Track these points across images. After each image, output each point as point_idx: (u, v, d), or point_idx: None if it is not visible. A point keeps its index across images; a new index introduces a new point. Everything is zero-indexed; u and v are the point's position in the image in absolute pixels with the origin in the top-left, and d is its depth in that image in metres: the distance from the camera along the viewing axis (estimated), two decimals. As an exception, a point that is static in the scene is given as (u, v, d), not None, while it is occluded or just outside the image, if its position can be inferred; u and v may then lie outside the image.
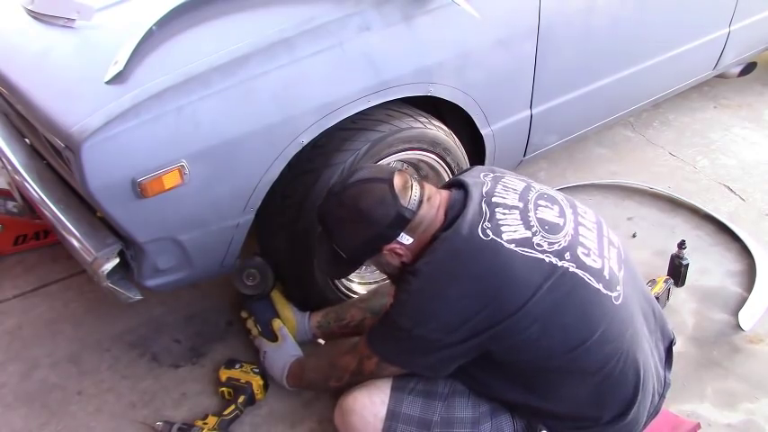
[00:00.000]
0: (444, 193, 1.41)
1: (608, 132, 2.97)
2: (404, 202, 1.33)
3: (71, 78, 1.66)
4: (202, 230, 1.61)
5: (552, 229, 1.34)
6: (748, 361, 1.89)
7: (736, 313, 2.03)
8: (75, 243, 1.60)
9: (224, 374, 1.81)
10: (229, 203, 1.62)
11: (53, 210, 1.68)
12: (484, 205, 1.34)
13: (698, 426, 1.64)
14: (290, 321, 1.84)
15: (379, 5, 1.69)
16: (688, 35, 2.50)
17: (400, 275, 1.40)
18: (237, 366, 1.81)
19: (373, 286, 1.95)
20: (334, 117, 1.64)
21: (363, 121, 1.73)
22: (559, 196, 1.45)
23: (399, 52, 1.71)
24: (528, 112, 2.09)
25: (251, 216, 1.66)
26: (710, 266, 2.24)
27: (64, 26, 1.79)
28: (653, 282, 2.04)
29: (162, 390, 1.86)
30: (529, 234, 1.31)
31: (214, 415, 1.72)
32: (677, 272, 2.11)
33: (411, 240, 1.35)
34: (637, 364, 1.34)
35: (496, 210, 1.34)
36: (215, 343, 2.01)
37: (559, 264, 1.29)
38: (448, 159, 1.91)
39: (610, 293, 1.32)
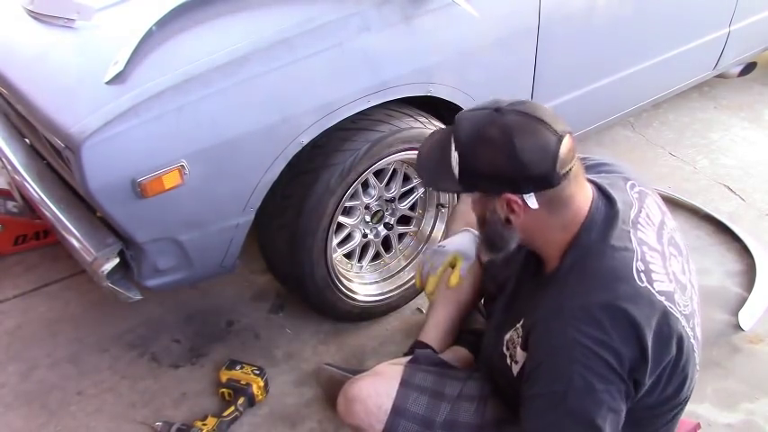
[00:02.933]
0: (591, 192, 1.20)
1: (608, 132, 2.97)
2: (560, 166, 1.11)
3: (71, 78, 1.66)
4: (202, 230, 1.61)
5: (682, 287, 1.19)
6: (748, 361, 1.89)
7: (736, 313, 2.03)
8: (75, 243, 1.59)
9: (224, 375, 1.81)
10: (229, 203, 1.62)
11: (53, 210, 1.68)
12: (633, 238, 1.16)
13: (698, 426, 1.63)
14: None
15: (379, 5, 1.69)
16: (688, 35, 2.50)
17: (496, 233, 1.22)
18: (238, 368, 1.81)
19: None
20: (334, 117, 1.64)
21: (363, 121, 1.73)
22: (682, 242, 1.29)
23: (399, 52, 1.71)
24: (528, 112, 2.09)
25: (251, 216, 1.66)
26: (710, 266, 2.24)
27: (64, 26, 1.79)
28: (653, 282, 2.04)
29: (162, 390, 1.86)
30: (672, 288, 1.16)
31: (214, 416, 1.72)
32: (677, 272, 2.11)
33: (537, 207, 1.14)
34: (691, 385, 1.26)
35: (644, 248, 1.16)
36: (215, 343, 2.01)
37: (686, 330, 1.16)
38: (448, 159, 1.90)
39: (698, 367, 1.25)
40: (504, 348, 1.29)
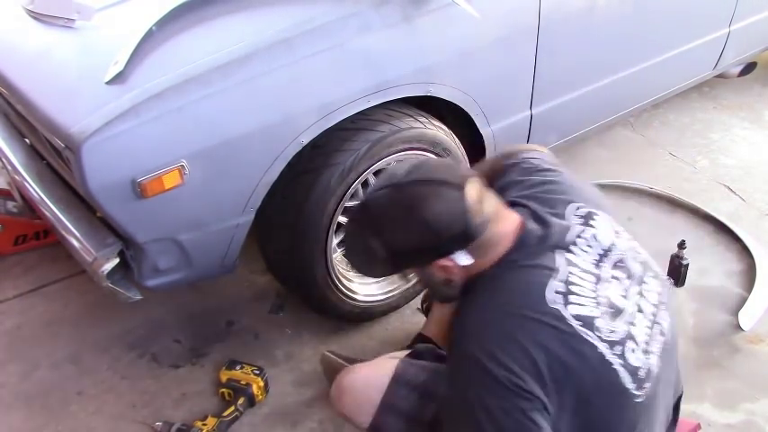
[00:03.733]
0: (517, 219, 1.21)
1: (608, 132, 2.97)
2: (474, 217, 1.13)
3: (71, 78, 1.66)
4: (202, 231, 1.61)
5: (615, 313, 1.16)
6: (748, 361, 1.89)
7: (736, 313, 2.03)
8: (75, 243, 1.59)
9: (224, 375, 1.81)
10: (229, 203, 1.62)
11: (53, 210, 1.68)
12: (564, 260, 1.16)
13: (698, 426, 1.63)
14: None
15: (379, 5, 1.69)
16: (688, 35, 2.50)
17: (442, 295, 1.28)
18: (238, 368, 1.81)
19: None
20: (334, 117, 1.64)
21: (363, 121, 1.73)
22: (635, 265, 1.24)
23: (399, 52, 1.71)
24: (528, 112, 2.09)
25: (251, 216, 1.66)
26: (710, 266, 2.24)
27: (64, 26, 1.79)
28: (653, 282, 2.04)
29: (162, 390, 1.86)
30: (596, 314, 1.13)
31: (214, 416, 1.72)
32: (677, 272, 2.11)
33: (470, 261, 1.17)
34: None
35: (571, 269, 1.15)
36: (215, 343, 2.01)
37: (608, 357, 1.13)
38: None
39: (636, 393, 1.17)
40: None
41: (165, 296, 2.10)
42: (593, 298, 1.15)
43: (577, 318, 1.11)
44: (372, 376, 1.39)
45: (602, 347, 1.12)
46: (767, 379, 1.83)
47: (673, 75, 2.62)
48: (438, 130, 1.86)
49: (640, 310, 1.21)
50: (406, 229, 1.16)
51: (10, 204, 2.29)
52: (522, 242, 1.17)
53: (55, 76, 1.68)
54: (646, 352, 1.19)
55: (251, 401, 1.77)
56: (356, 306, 1.96)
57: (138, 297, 1.63)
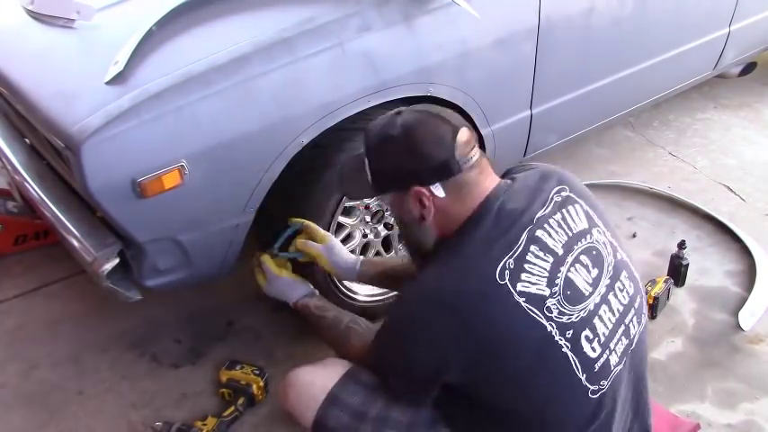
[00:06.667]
0: (496, 180, 1.26)
1: (608, 132, 2.97)
2: (459, 153, 1.19)
3: (71, 78, 1.66)
4: (202, 231, 1.61)
5: (573, 297, 1.18)
6: (748, 361, 1.89)
7: (736, 313, 2.03)
8: (76, 243, 1.59)
9: (224, 375, 1.81)
10: (229, 204, 1.62)
11: (53, 210, 1.68)
12: (525, 235, 1.18)
13: (698, 426, 1.64)
14: (321, 258, 1.68)
15: (379, 5, 1.69)
16: (688, 35, 2.50)
17: (412, 248, 1.35)
18: (238, 368, 1.81)
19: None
20: (334, 117, 1.64)
21: (363, 121, 1.73)
22: (609, 258, 1.26)
23: (399, 52, 1.71)
24: (528, 112, 2.09)
25: (251, 216, 1.66)
26: (710, 266, 2.24)
27: (64, 26, 1.79)
28: (653, 282, 2.04)
29: (162, 390, 1.86)
30: (546, 293, 1.16)
31: (213, 416, 1.72)
32: (677, 272, 2.12)
33: (443, 196, 1.21)
34: None
35: (532, 247, 1.18)
36: (215, 343, 2.01)
37: (556, 338, 1.16)
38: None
39: (588, 386, 1.19)
40: None
41: (165, 296, 2.10)
42: (546, 278, 1.17)
43: (523, 294, 1.14)
44: (320, 374, 1.39)
45: (550, 327, 1.15)
46: (767, 379, 1.83)
47: (673, 75, 2.62)
48: (438, 130, 1.85)
49: (607, 303, 1.23)
50: (395, 148, 1.23)
51: (10, 204, 2.29)
52: (492, 208, 1.21)
53: (55, 76, 1.68)
54: (605, 346, 1.20)
55: (251, 401, 1.77)
56: (356, 306, 1.96)
57: (138, 297, 1.62)
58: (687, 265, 2.11)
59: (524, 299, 1.14)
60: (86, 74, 1.62)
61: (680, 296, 2.11)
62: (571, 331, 1.17)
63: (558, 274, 1.18)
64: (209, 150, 1.51)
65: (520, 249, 1.17)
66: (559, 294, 1.17)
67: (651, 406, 1.37)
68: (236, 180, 1.59)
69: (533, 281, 1.16)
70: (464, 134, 1.21)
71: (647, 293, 2.00)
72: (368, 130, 1.30)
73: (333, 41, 1.61)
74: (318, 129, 1.63)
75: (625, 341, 1.25)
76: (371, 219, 1.96)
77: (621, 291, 1.26)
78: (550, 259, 1.18)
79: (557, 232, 1.21)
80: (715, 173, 2.74)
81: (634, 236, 2.37)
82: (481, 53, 1.86)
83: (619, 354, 1.23)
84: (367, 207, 1.92)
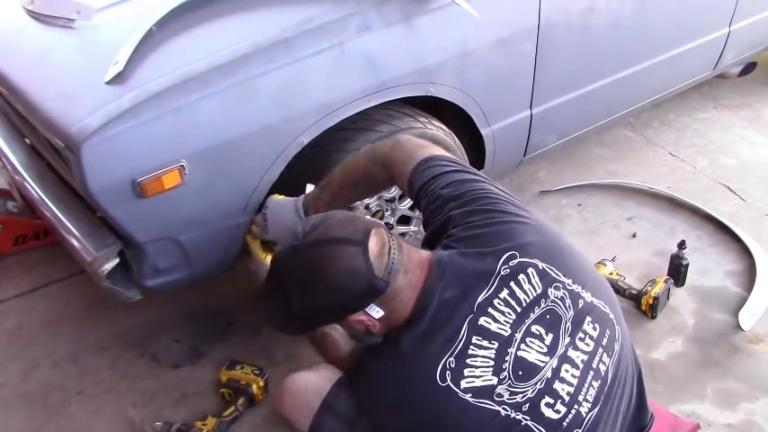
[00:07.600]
0: (425, 269, 1.20)
1: (608, 132, 2.97)
2: (378, 271, 1.14)
3: (71, 78, 1.66)
4: (202, 231, 1.61)
5: (526, 374, 1.16)
6: (748, 361, 1.89)
7: (736, 313, 2.03)
8: (75, 243, 1.59)
9: (224, 375, 1.81)
10: (229, 204, 1.62)
11: (53, 210, 1.68)
12: (466, 326, 1.15)
13: (698, 426, 1.64)
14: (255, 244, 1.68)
15: (379, 5, 1.69)
16: (688, 35, 2.50)
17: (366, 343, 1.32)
18: (238, 368, 1.81)
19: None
20: (334, 117, 1.64)
21: (363, 121, 1.73)
22: (569, 313, 1.20)
23: (399, 52, 1.71)
24: (528, 112, 2.09)
25: (251, 216, 1.66)
26: (710, 266, 2.24)
27: (64, 26, 1.79)
28: (653, 282, 2.04)
29: (162, 390, 1.86)
30: (494, 382, 1.14)
31: (213, 416, 1.72)
32: (677, 272, 2.11)
33: (382, 313, 1.18)
34: None
35: (474, 339, 1.15)
36: (215, 343, 2.01)
37: (512, 416, 1.15)
38: (448, 159, 1.90)
39: None
40: None
41: (165, 296, 2.09)
42: (492, 367, 1.15)
43: (468, 390, 1.14)
44: (314, 380, 1.39)
45: (504, 410, 1.15)
46: (767, 379, 1.83)
47: (673, 75, 2.62)
48: (438, 131, 1.86)
49: (568, 361, 1.19)
50: (311, 293, 1.17)
51: (10, 204, 2.29)
52: (430, 304, 1.17)
53: (55, 76, 1.68)
54: (570, 404, 1.18)
55: (251, 401, 1.77)
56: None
57: (138, 297, 1.63)
58: (687, 265, 2.11)
59: (470, 395, 1.14)
60: (86, 74, 1.62)
61: (680, 296, 2.11)
62: (527, 404, 1.16)
63: (507, 357, 1.16)
64: (210, 150, 1.51)
65: (461, 345, 1.14)
66: (509, 378, 1.15)
67: (651, 407, 1.37)
68: (236, 180, 1.59)
69: (478, 374, 1.14)
70: (374, 244, 1.16)
71: (646, 293, 2.00)
72: (274, 272, 1.23)
73: (333, 41, 1.61)
74: (318, 129, 1.63)
75: (597, 383, 1.21)
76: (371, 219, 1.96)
77: (583, 340, 1.21)
78: (495, 345, 1.16)
79: (502, 313, 1.17)
80: (715, 173, 2.74)
81: (634, 236, 2.37)
82: (481, 53, 1.86)
83: (591, 400, 1.20)
84: (367, 207, 1.92)
